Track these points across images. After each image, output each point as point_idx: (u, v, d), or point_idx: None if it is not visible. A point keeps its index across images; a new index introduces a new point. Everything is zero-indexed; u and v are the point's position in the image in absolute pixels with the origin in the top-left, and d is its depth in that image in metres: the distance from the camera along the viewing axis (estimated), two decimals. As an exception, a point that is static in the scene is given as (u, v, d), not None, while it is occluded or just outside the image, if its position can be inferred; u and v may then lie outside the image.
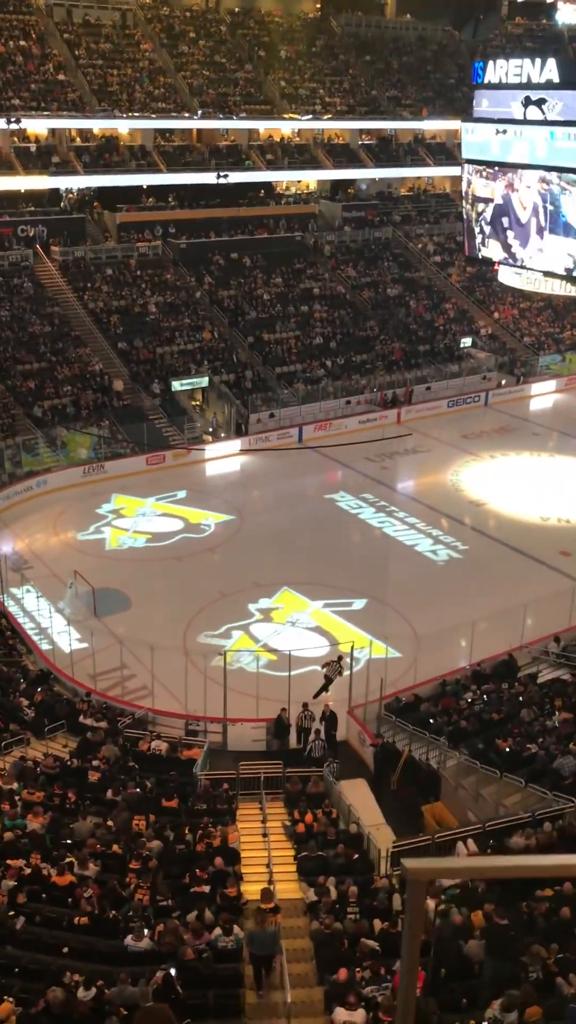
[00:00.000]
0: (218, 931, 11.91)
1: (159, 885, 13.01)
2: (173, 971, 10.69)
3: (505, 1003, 9.08)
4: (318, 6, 57.23)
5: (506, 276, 27.49)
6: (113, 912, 12.31)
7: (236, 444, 36.81)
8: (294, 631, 24.09)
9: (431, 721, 19.34)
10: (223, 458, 36.41)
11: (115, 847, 14.09)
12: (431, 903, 12.24)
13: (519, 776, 16.87)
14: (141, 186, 45.18)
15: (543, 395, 44.90)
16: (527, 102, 22.58)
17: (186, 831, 14.84)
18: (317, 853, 14.67)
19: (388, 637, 22.92)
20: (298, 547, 29.06)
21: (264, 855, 14.90)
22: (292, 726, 19.35)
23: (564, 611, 23.21)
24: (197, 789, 17.01)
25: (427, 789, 17.99)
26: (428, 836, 15.38)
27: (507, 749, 17.65)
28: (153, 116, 45.48)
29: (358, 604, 25.35)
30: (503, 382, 44.29)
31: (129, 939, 11.60)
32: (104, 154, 44.36)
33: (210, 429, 37.32)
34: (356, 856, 14.59)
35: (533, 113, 22.93)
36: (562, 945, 10.30)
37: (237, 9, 54.15)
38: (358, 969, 11.12)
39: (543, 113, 22.37)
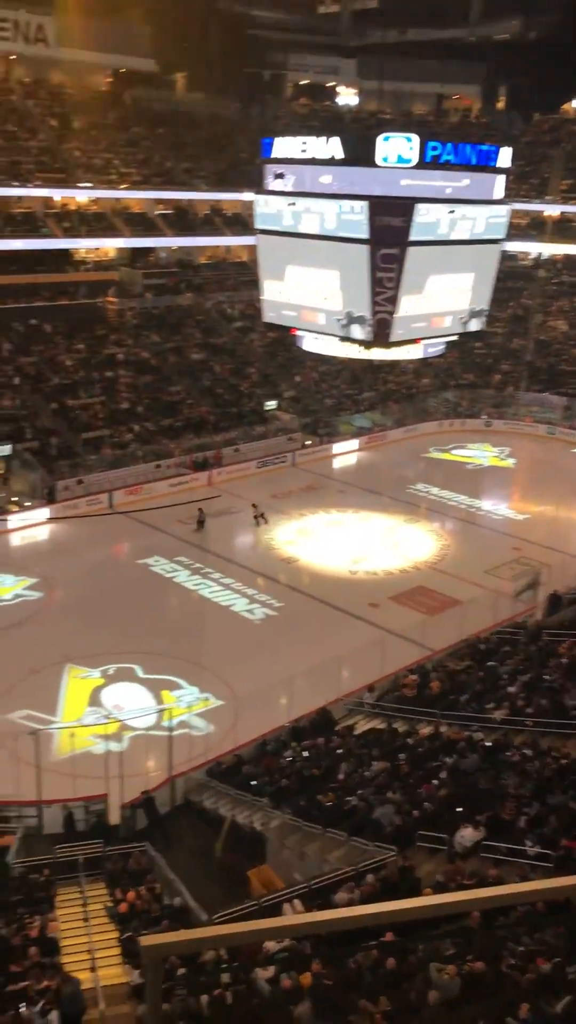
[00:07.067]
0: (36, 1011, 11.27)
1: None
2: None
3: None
4: (109, 80, 58.14)
5: (305, 341, 28.51)
6: None
7: (44, 512, 35.82)
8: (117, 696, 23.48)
9: (253, 783, 19.23)
10: (30, 527, 35.31)
11: None
12: (260, 972, 12.03)
13: (341, 830, 16.99)
14: None
15: (346, 453, 46.57)
16: (276, 175, 24.11)
17: (1, 925, 13.94)
18: (141, 933, 14.12)
19: (209, 708, 22.82)
20: (113, 615, 28.40)
21: (86, 941, 14.20)
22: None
23: (376, 661, 23.86)
24: (11, 879, 16.06)
25: (252, 853, 17.80)
26: (254, 901, 15.17)
27: (328, 804, 17.77)
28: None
29: (176, 670, 25.02)
30: (308, 442, 45.61)
31: None
32: None
33: (13, 499, 36.15)
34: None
35: (280, 185, 24.40)
36: (388, 996, 10.36)
37: (27, 79, 54.15)
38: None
39: (284, 184, 24.00)
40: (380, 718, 22.30)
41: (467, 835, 15.44)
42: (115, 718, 22.26)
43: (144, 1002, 11.70)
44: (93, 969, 13.18)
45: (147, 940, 2.38)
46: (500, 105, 71.12)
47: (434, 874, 14.95)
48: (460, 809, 16.31)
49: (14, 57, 53.09)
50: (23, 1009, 11.43)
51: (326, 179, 23.26)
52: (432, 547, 34.84)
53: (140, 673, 24.80)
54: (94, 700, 23.54)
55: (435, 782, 17.49)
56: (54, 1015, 11.35)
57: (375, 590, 30.56)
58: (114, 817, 18.94)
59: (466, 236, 23.59)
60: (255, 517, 35.84)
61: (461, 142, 22.43)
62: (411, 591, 30.54)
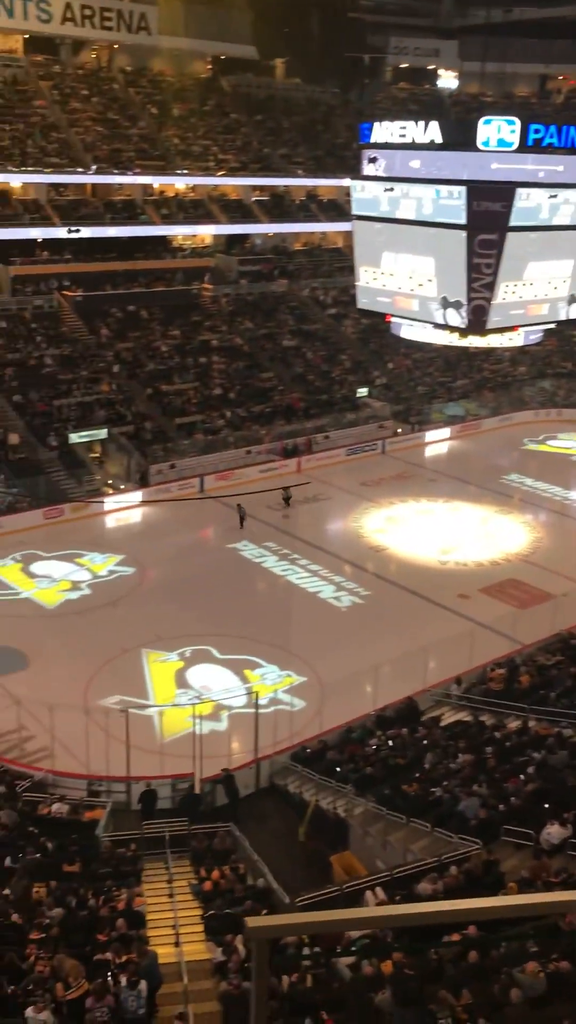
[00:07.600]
0: (123, 984, 11.56)
1: (64, 963, 12.47)
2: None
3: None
4: (209, 67, 58.47)
5: (401, 328, 28.24)
6: (12, 987, 11.73)
7: (137, 495, 36.51)
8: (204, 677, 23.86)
9: (337, 769, 19.29)
10: (123, 510, 36.05)
11: (13, 917, 13.49)
12: (342, 960, 12.10)
13: (425, 821, 16.91)
14: (35, 239, 44.95)
15: (438, 442, 46.06)
16: (370, 160, 23.87)
17: (89, 896, 14.35)
18: (224, 911, 14.36)
19: (294, 685, 22.94)
20: (202, 598, 28.80)
21: (171, 916, 14.51)
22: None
23: (464, 653, 23.61)
24: (100, 851, 16.49)
25: (335, 839, 17.87)
26: (336, 887, 15.24)
27: (412, 794, 17.70)
28: (47, 171, 45.46)
29: (252, 650, 25.23)
30: (399, 430, 45.26)
31: (30, 1011, 11.08)
32: (-4, 207, 44.03)
33: (109, 482, 36.94)
34: (265, 912, 14.33)
35: (372, 169, 24.17)
36: (470, 989, 10.28)
37: (129, 68, 54.89)
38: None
39: (376, 169, 23.76)
40: (467, 710, 22.09)
41: (554, 832, 15.18)
42: (208, 698, 22.57)
43: (224, 979, 11.89)
44: (177, 944, 13.46)
45: (253, 921, 2.41)
46: (607, 85, 68.75)
47: (519, 869, 14.76)
48: (547, 805, 16.05)
49: (117, 46, 53.85)
50: (111, 978, 11.75)
51: (415, 163, 23.03)
52: (524, 539, 34.23)
53: (216, 654, 25.08)
54: (181, 682, 23.93)
55: (522, 777, 17.26)
56: (143, 985, 11.64)
57: (465, 581, 30.20)
58: (198, 795, 19.27)
59: (568, 221, 22.98)
60: (284, 499, 36.39)
61: (565, 124, 21.81)
62: (502, 583, 30.08)
